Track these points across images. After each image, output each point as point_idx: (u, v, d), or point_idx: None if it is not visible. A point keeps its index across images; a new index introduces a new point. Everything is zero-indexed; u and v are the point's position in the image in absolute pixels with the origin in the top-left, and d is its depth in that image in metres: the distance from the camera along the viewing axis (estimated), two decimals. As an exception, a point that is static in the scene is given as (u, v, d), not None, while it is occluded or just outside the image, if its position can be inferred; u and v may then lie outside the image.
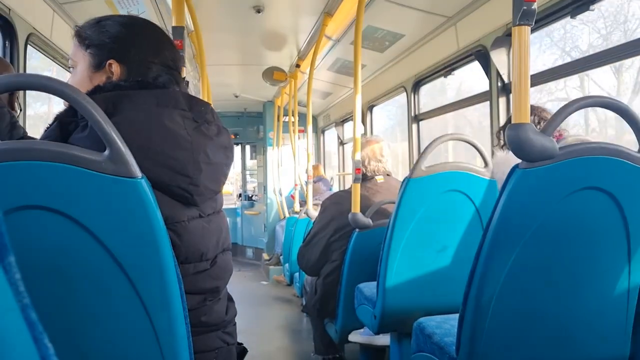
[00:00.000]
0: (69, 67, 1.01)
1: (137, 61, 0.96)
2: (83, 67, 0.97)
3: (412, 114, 3.77)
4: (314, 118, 6.76)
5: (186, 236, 0.90)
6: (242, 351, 1.16)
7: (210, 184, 0.93)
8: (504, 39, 2.48)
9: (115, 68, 0.95)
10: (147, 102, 0.88)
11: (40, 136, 0.88)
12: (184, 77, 1.07)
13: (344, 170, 6.14)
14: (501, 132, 2.03)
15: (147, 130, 0.86)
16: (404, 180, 1.67)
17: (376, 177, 2.45)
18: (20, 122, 1.55)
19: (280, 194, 6.09)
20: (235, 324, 1.06)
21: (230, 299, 1.07)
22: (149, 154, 0.84)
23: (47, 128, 0.87)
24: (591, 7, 2.02)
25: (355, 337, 2.30)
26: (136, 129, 0.85)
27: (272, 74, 4.73)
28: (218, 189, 0.97)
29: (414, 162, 1.69)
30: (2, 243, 0.23)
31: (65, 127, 0.84)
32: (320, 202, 2.86)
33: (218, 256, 0.97)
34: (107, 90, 0.89)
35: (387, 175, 2.49)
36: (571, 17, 2.12)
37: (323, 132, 6.99)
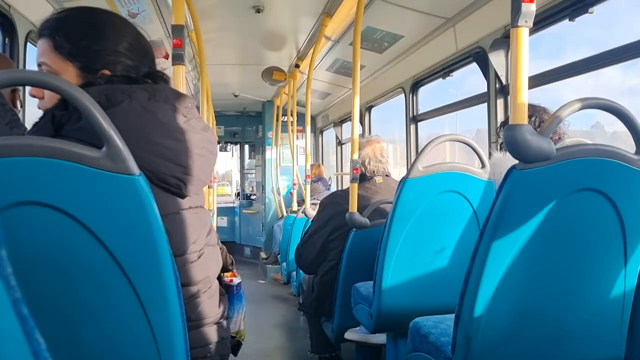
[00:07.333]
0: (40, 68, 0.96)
1: (121, 59, 0.97)
2: (69, 78, 0.93)
3: (411, 115, 3.78)
4: (313, 118, 6.76)
5: (178, 228, 0.92)
6: (237, 344, 1.16)
7: (202, 175, 0.95)
8: (503, 40, 2.48)
9: (106, 72, 0.95)
10: (140, 96, 0.89)
11: (29, 132, 0.88)
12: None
13: (342, 170, 6.14)
14: (501, 128, 2.03)
15: (142, 122, 0.87)
16: (401, 180, 1.68)
17: (375, 178, 2.45)
18: (20, 119, 1.54)
19: (279, 193, 6.10)
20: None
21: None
22: (145, 145, 0.86)
23: (36, 123, 0.87)
24: (590, 10, 2.02)
25: (352, 334, 2.29)
26: (132, 120, 0.86)
27: (271, 74, 4.73)
28: (207, 181, 1.00)
29: (412, 162, 1.69)
30: (-6, 237, 0.23)
31: (58, 120, 0.84)
32: (318, 202, 2.86)
33: (205, 248, 0.99)
34: (98, 84, 0.90)
35: (387, 176, 2.49)
36: (570, 20, 2.12)
37: (322, 132, 7.00)
